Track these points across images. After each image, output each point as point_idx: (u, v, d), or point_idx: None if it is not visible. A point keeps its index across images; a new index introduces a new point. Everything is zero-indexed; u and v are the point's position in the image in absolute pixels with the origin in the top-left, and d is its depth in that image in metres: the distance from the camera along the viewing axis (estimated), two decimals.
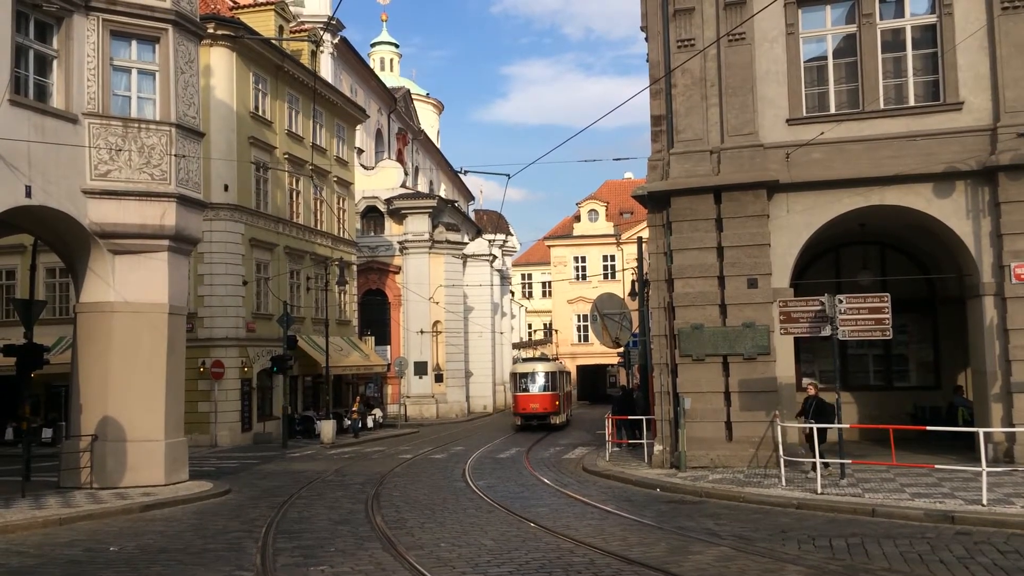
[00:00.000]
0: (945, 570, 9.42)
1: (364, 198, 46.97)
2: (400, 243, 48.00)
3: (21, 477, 16.78)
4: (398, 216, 48.36)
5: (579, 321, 62.86)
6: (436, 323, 48.27)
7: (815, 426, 15.99)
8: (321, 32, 42.66)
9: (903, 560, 9.88)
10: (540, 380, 36.78)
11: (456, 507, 14.80)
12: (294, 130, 35.20)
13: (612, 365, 55.55)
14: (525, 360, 44.32)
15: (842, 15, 18.64)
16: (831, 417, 16.24)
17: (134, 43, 17.73)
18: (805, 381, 18.69)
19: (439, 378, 48.82)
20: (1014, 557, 9.90)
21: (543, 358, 43.89)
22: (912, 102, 18.06)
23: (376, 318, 46.95)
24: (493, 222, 60.59)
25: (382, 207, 48.16)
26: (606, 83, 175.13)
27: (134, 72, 17.76)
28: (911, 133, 17.74)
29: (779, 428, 16.18)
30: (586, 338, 60.57)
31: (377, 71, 62.15)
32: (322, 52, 43.16)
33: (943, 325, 22.31)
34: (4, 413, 29.31)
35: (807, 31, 18.73)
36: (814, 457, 15.39)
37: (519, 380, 37.53)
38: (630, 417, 23.56)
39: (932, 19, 18.00)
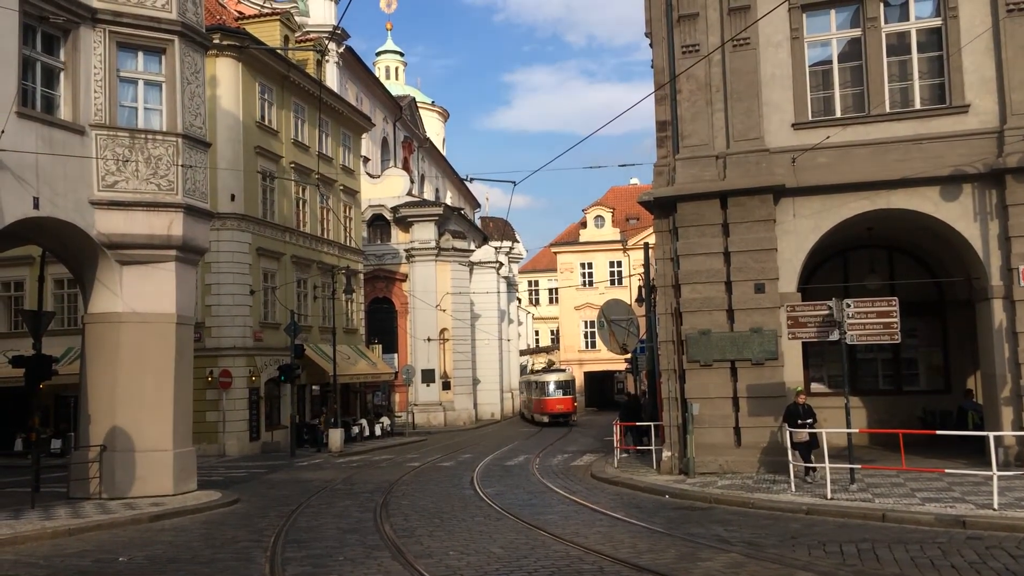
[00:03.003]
0: (957, 575, 9.36)
1: (370, 206, 47.07)
2: (407, 251, 48.07)
3: (30, 488, 16.83)
4: (404, 224, 48.43)
5: (586, 327, 62.72)
6: (443, 331, 48.29)
7: (808, 431, 16.05)
8: (326, 41, 42.82)
9: (914, 565, 9.82)
10: (561, 387, 46.53)
11: (465, 515, 14.77)
12: (300, 139, 35.29)
13: (619, 371, 55.51)
14: (546, 371, 51.67)
15: (847, 19, 18.62)
16: (793, 420, 16.30)
17: (140, 54, 17.82)
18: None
19: (446, 386, 48.83)
20: None
21: (560, 369, 51.94)
22: (918, 105, 18.02)
23: (383, 326, 46.96)
24: (499, 229, 60.60)
25: (388, 215, 48.25)
26: (609, 90, 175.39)
27: (140, 83, 17.84)
28: (917, 136, 17.71)
29: (787, 433, 16.13)
30: (593, 344, 60.43)
31: (382, 80, 62.37)
32: (327, 61, 43.30)
33: (952, 328, 22.22)
34: (13, 424, 29.39)
35: (812, 35, 18.71)
36: (799, 463, 15.81)
37: (545, 387, 46.82)
38: (638, 424, 23.54)
39: (937, 22, 17.96)
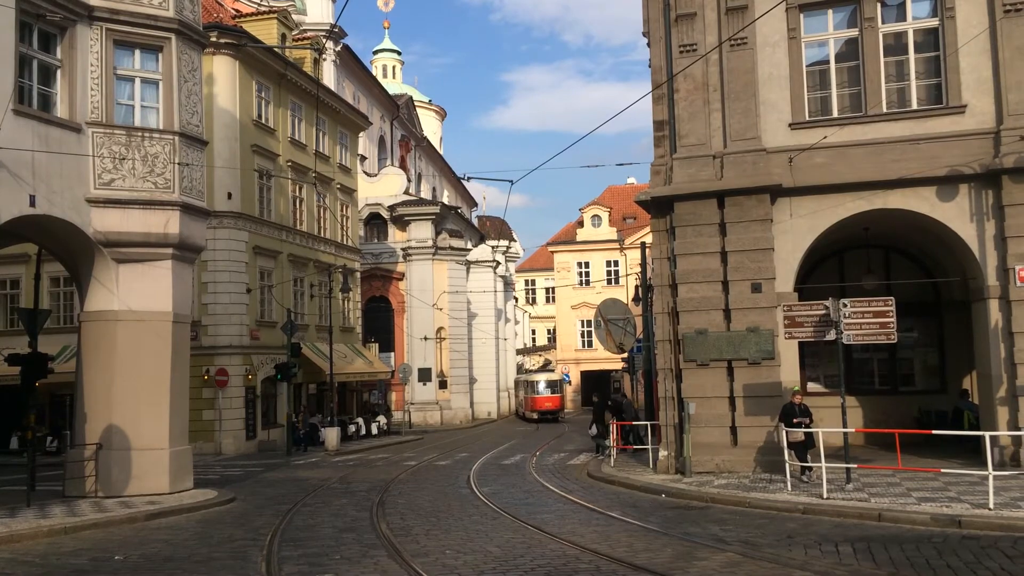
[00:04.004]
0: (953, 575, 9.37)
1: (367, 205, 47.03)
2: (404, 250, 48.03)
3: (26, 486, 16.77)
4: (401, 223, 48.40)
5: (583, 327, 62.78)
6: (440, 329, 48.28)
7: (803, 430, 16.09)
8: (323, 40, 42.79)
9: (910, 565, 9.84)
10: (550, 386, 50.78)
11: (461, 514, 14.77)
12: (297, 138, 35.25)
13: (616, 371, 55.63)
14: (536, 371, 56.27)
15: (844, 19, 18.64)
16: (789, 419, 16.35)
17: (137, 52, 17.78)
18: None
19: (443, 384, 48.83)
20: (1022, 562, 9.85)
21: (550, 369, 56.28)
22: (915, 105, 18.04)
23: (380, 325, 46.96)
24: (496, 228, 60.61)
25: (385, 214, 48.21)
26: (606, 89, 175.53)
27: (137, 81, 17.81)
28: (914, 136, 17.72)
29: (783, 433, 16.15)
30: (590, 343, 60.50)
31: (379, 78, 62.32)
32: (324, 60, 43.25)
33: (948, 329, 22.24)
34: (9, 422, 29.35)
35: (809, 35, 18.72)
36: (795, 462, 15.87)
37: (535, 386, 51.00)
38: (634, 423, 23.60)
39: (934, 22, 17.98)
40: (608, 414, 25.94)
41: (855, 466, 15.95)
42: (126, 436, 17.38)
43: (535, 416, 49.33)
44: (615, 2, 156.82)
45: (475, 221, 64.28)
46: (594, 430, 25.76)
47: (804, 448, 16.29)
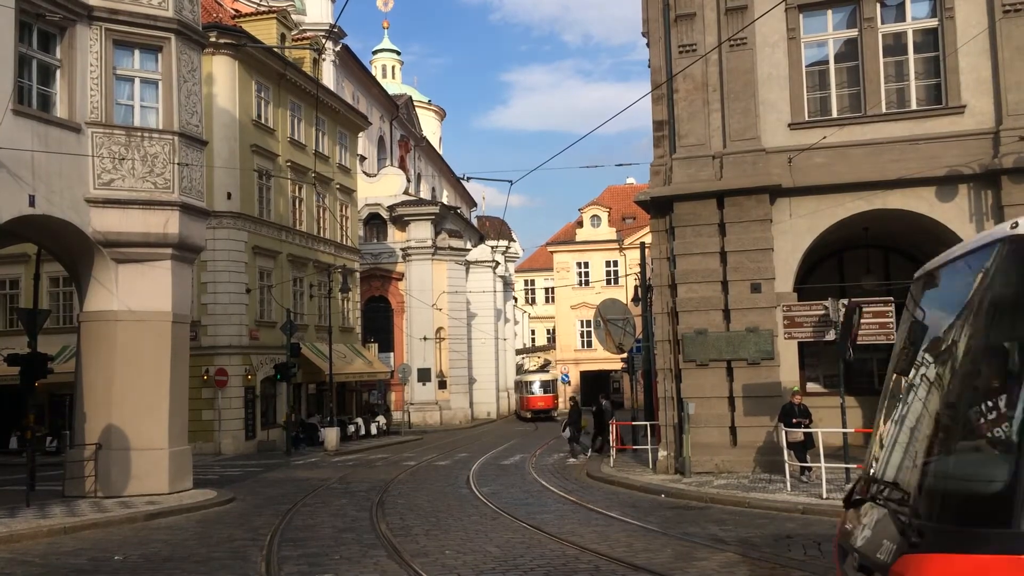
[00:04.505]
0: None
1: (367, 205, 47.03)
2: (403, 250, 48.05)
3: (26, 486, 16.78)
4: (401, 223, 48.41)
5: (582, 327, 62.75)
6: (439, 330, 48.29)
7: (801, 431, 16.11)
8: (323, 40, 42.80)
9: None
10: (543, 386, 52.97)
11: (461, 514, 14.77)
12: (296, 138, 35.25)
13: (616, 371, 55.66)
14: (534, 371, 58.08)
15: (843, 19, 18.64)
16: (789, 419, 16.38)
17: (137, 52, 17.78)
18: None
19: (442, 384, 48.84)
20: None
21: (544, 370, 57.94)
22: (914, 106, 18.04)
23: (379, 325, 46.98)
24: (496, 228, 60.64)
25: (385, 214, 48.21)
26: (606, 89, 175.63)
27: (137, 81, 17.81)
28: (913, 137, 17.72)
29: (783, 433, 16.16)
30: (589, 344, 60.46)
31: (379, 78, 62.32)
32: (324, 60, 43.26)
33: None
34: (8, 422, 29.35)
35: (808, 35, 18.72)
36: (794, 462, 15.92)
37: (529, 385, 53.45)
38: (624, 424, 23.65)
39: (933, 23, 17.98)
40: (586, 418, 26.59)
41: (855, 466, 15.90)
42: (125, 436, 17.38)
43: (529, 415, 50.88)
44: (615, 2, 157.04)
45: (474, 221, 64.29)
46: (567, 432, 26.10)
47: (803, 448, 16.30)
